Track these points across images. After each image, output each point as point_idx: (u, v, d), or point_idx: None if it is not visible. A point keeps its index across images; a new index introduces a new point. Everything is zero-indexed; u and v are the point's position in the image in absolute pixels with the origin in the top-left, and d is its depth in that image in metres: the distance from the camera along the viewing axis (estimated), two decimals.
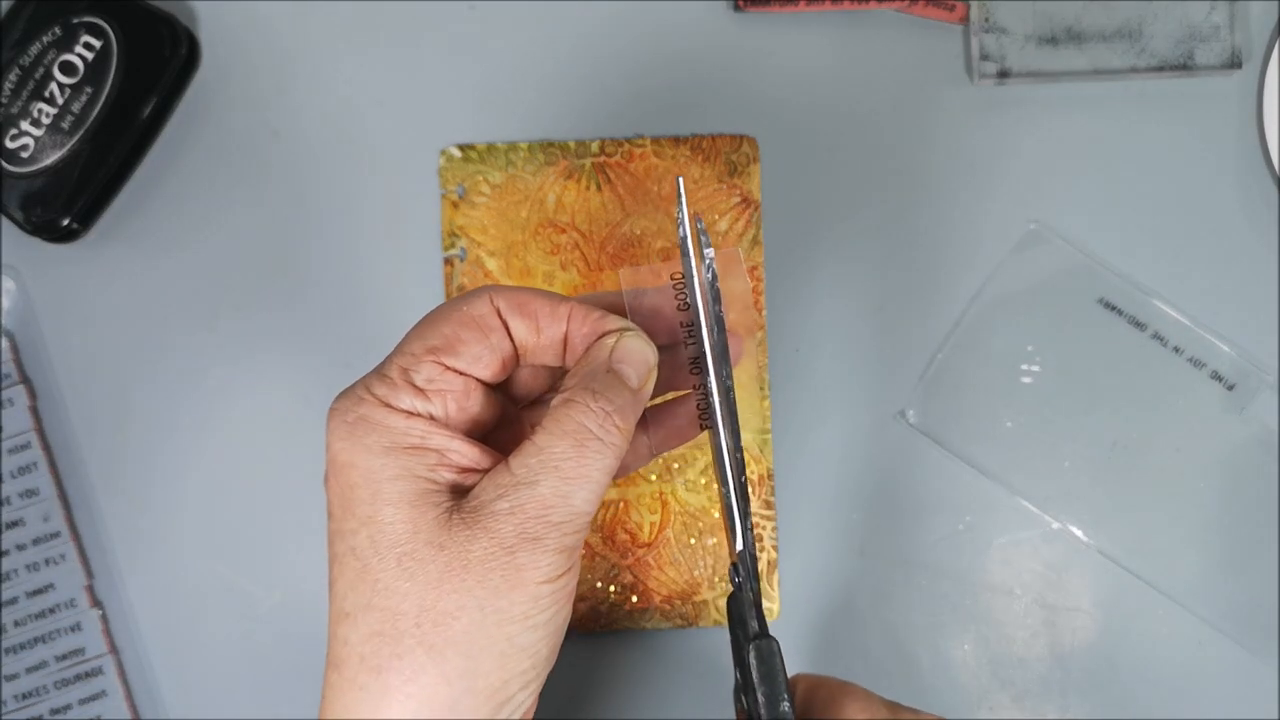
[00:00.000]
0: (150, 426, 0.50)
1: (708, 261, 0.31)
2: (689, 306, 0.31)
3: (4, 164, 0.48)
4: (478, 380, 0.30)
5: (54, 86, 0.48)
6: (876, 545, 0.50)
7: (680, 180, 0.31)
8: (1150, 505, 0.49)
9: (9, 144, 0.48)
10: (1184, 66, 0.50)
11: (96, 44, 0.49)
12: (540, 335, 0.31)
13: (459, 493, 0.29)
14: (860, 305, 0.50)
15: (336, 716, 0.28)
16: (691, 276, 0.31)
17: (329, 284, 0.50)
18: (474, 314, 0.30)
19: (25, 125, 0.48)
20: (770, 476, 0.49)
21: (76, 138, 0.48)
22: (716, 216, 0.50)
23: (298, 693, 0.49)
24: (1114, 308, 0.50)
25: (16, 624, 0.49)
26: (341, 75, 0.51)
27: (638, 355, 0.30)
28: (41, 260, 0.50)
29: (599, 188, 0.50)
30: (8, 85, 0.48)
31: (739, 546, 0.32)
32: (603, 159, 0.50)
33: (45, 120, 0.48)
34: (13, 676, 0.48)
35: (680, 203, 0.31)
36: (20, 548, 0.49)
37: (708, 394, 0.31)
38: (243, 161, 0.51)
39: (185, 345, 0.50)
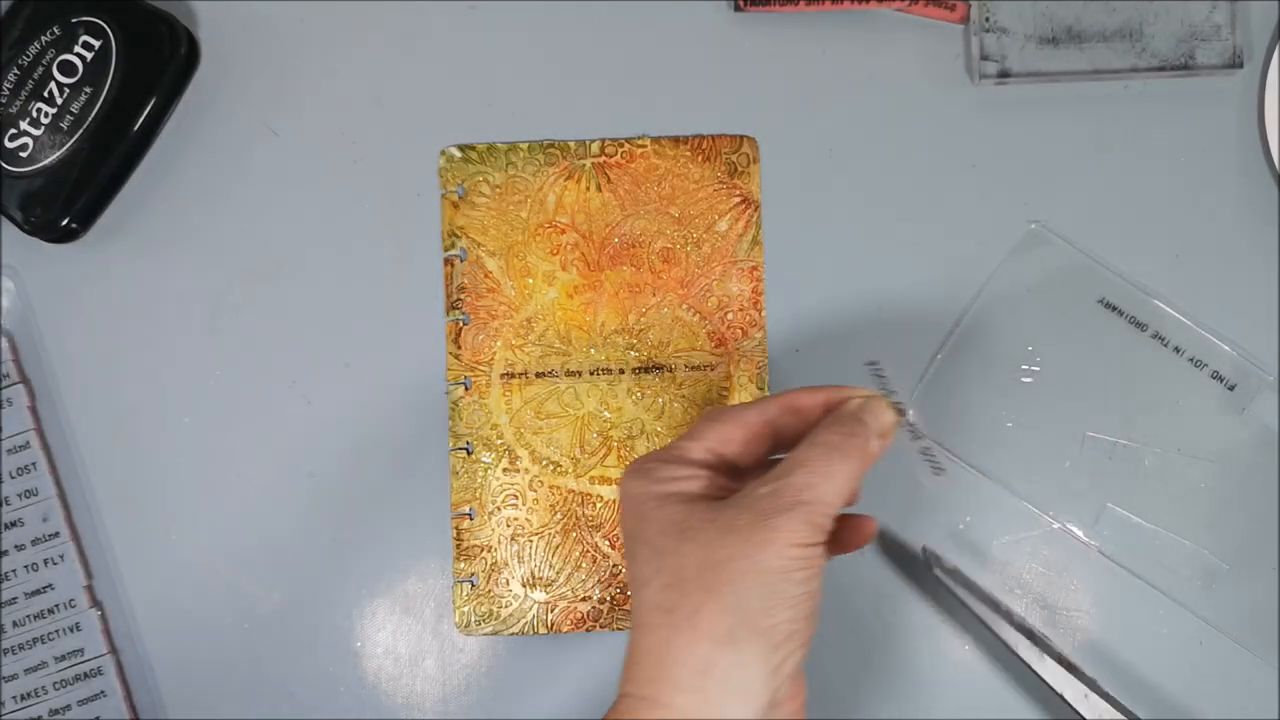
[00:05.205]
0: (150, 426, 0.50)
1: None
2: None
3: (3, 164, 0.48)
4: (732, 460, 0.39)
5: (53, 86, 0.48)
6: (876, 545, 0.50)
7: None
8: (1150, 505, 0.49)
9: (8, 144, 0.48)
10: (1184, 66, 0.50)
11: (95, 44, 0.48)
12: (804, 424, 0.38)
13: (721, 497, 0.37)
14: (860, 305, 0.50)
15: (637, 658, 0.35)
16: None
17: (329, 284, 0.50)
18: (750, 421, 0.38)
19: (24, 125, 0.48)
20: None
21: (76, 137, 0.48)
22: (716, 217, 0.50)
23: (297, 693, 0.49)
24: (1114, 308, 0.50)
25: (16, 624, 0.49)
26: (341, 75, 0.51)
27: (881, 412, 0.38)
28: (41, 260, 0.50)
29: (599, 188, 0.50)
30: (7, 85, 0.48)
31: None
32: (603, 159, 0.50)
33: (44, 120, 0.48)
34: (12, 677, 0.48)
35: None
36: (20, 548, 0.49)
37: None
38: (243, 161, 0.51)
39: (185, 345, 0.50)
